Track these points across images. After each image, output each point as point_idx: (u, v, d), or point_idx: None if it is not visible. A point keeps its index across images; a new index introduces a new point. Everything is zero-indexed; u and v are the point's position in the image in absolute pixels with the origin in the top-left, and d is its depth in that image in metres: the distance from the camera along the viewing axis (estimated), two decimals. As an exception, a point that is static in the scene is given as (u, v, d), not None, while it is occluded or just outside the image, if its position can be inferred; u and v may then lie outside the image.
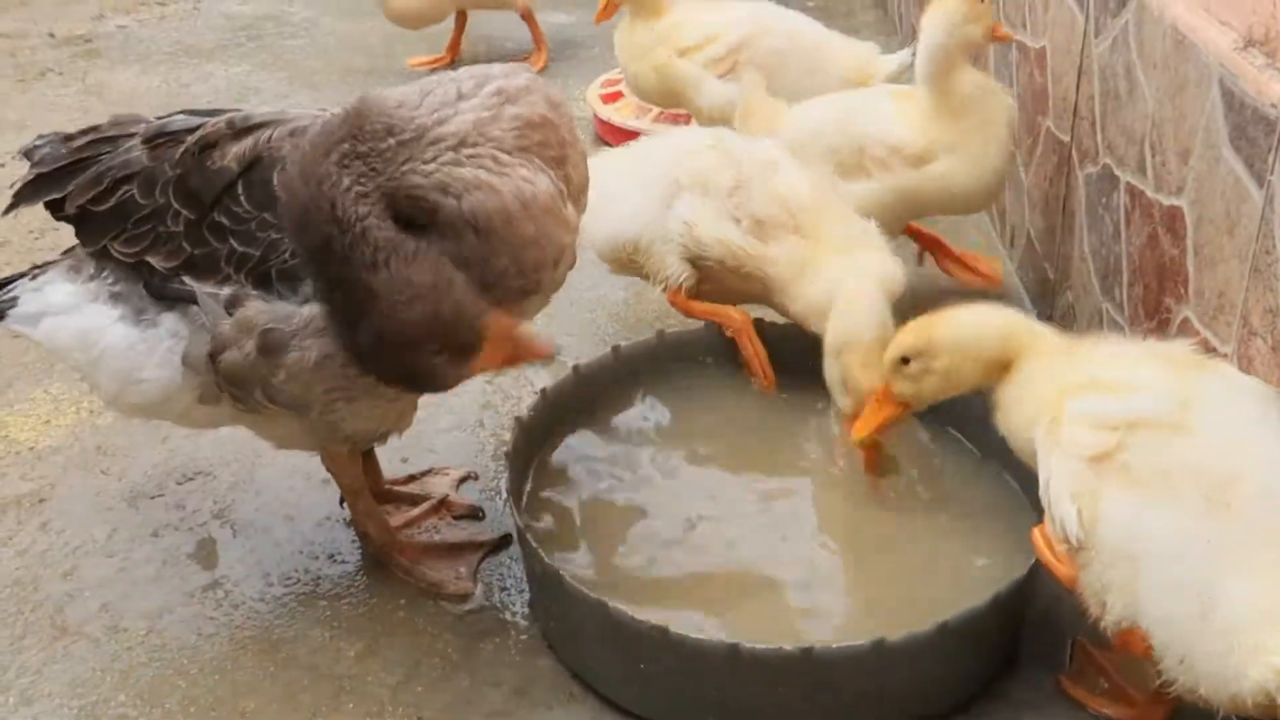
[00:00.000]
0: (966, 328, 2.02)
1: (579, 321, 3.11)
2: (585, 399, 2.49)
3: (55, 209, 2.10)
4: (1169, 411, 1.70)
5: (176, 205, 1.97)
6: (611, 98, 4.12)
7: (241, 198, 1.93)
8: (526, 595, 2.24)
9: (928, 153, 2.74)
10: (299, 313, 1.91)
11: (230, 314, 1.94)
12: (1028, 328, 2.00)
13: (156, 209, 1.99)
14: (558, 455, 2.42)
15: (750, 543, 2.20)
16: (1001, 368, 1.99)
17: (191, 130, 2.02)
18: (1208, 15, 2.09)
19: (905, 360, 2.05)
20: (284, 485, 2.54)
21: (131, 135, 2.09)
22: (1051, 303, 2.95)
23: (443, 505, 2.46)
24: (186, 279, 1.97)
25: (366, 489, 2.28)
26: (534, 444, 2.36)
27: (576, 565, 2.16)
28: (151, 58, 5.03)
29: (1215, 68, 1.99)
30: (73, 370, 2.21)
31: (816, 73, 3.29)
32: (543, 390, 2.42)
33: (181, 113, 2.11)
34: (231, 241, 1.94)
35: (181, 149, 2.00)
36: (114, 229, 2.03)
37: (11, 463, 2.64)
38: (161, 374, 2.02)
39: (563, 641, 2.10)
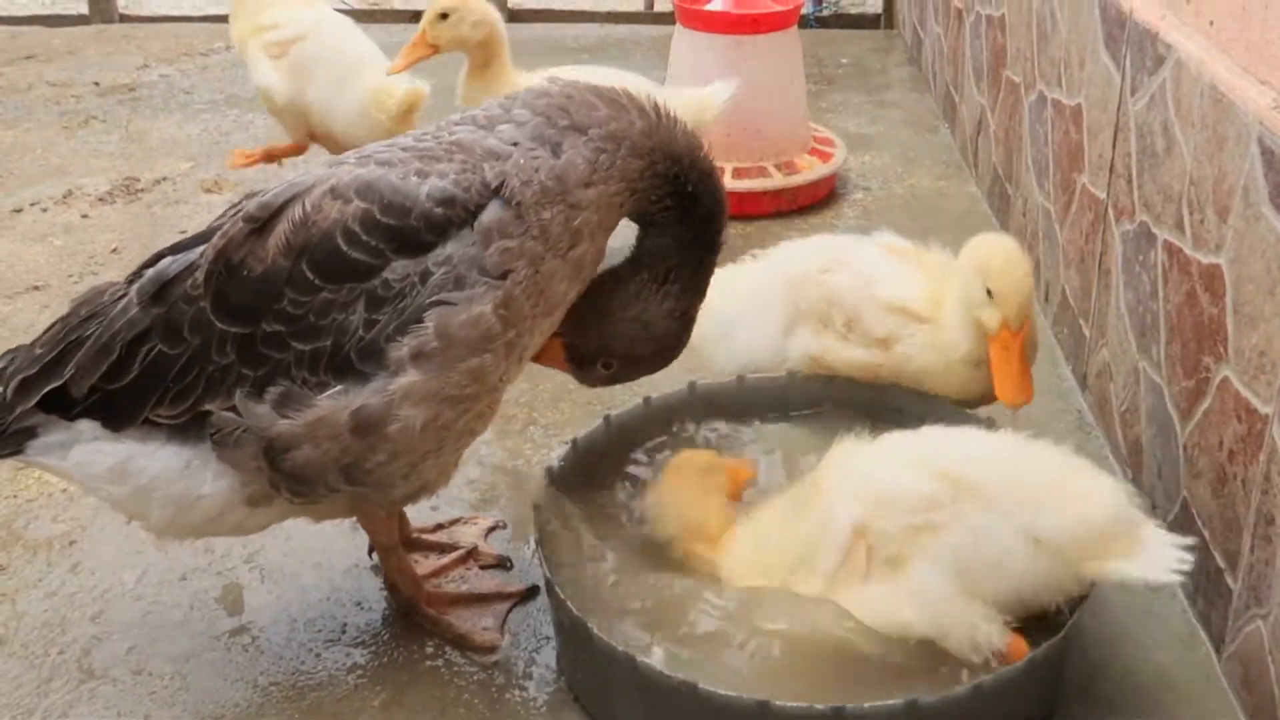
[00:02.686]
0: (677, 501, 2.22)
1: (610, 372, 3.11)
2: (616, 449, 2.48)
3: (60, 406, 1.96)
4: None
5: (224, 328, 1.88)
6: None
7: (296, 290, 1.86)
8: (554, 647, 2.21)
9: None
10: (393, 384, 1.87)
11: (286, 415, 1.89)
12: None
13: (194, 351, 1.90)
14: (587, 505, 2.40)
15: (782, 597, 2.17)
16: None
17: (189, 266, 1.93)
18: (1246, 74, 2.09)
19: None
20: (312, 531, 2.54)
21: (111, 303, 1.98)
22: (1087, 360, 2.93)
23: (471, 555, 2.45)
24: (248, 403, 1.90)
25: (400, 545, 2.27)
26: (564, 493, 2.35)
27: (605, 618, 2.14)
28: (192, 106, 5.11)
29: (1254, 126, 1.98)
30: (108, 503, 2.08)
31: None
32: (573, 440, 2.41)
33: (164, 255, 2.00)
34: (295, 345, 1.87)
35: (202, 274, 1.91)
36: (152, 395, 1.92)
37: (43, 505, 2.65)
38: (221, 484, 1.97)
39: (590, 695, 2.08)
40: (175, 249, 2.02)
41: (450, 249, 1.87)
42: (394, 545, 2.24)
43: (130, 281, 2.02)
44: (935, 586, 1.92)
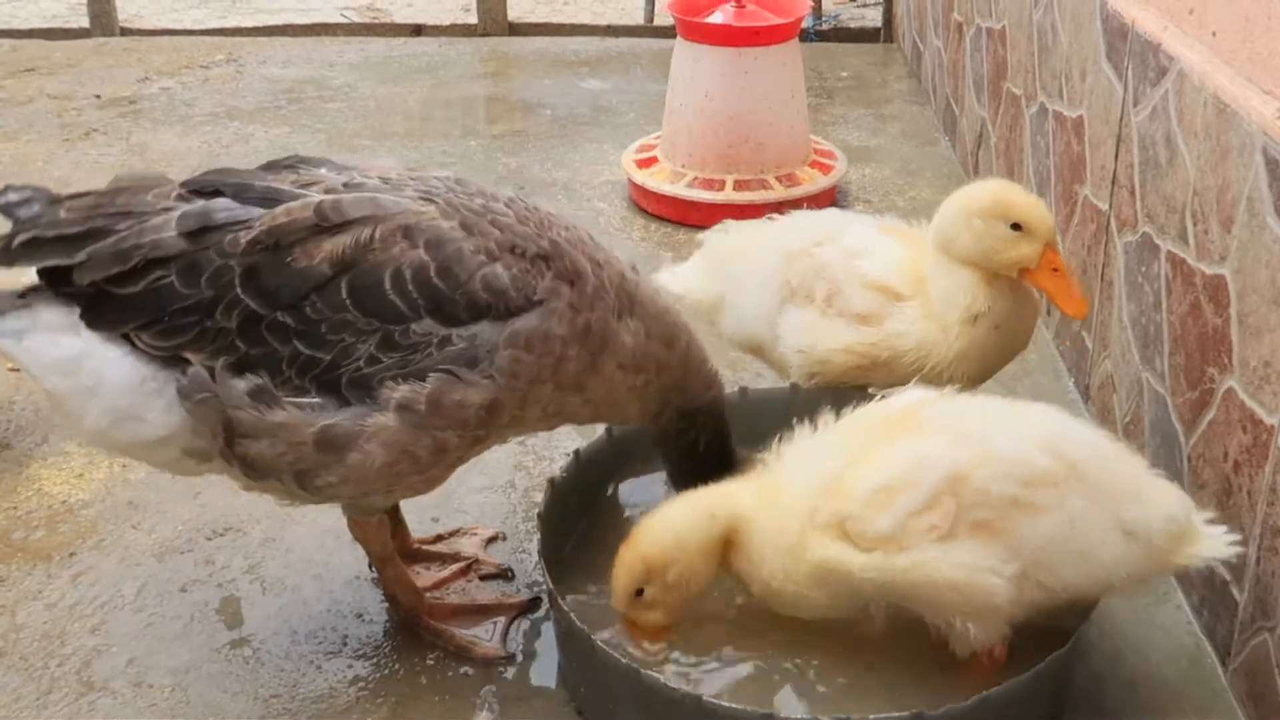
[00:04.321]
0: (674, 528, 1.98)
1: (611, 383, 3.10)
2: (618, 460, 2.47)
3: (58, 280, 1.92)
4: None
5: (242, 296, 1.86)
6: (646, 163, 4.15)
7: (324, 300, 1.86)
8: (557, 659, 2.20)
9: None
10: (371, 418, 1.88)
11: (257, 406, 1.89)
12: (728, 495, 2.01)
13: (203, 301, 1.88)
14: (590, 516, 2.39)
15: (788, 610, 2.16)
16: (727, 545, 1.98)
17: (240, 222, 1.89)
18: (1250, 84, 2.09)
19: (639, 593, 1.99)
20: (314, 543, 2.53)
21: (151, 208, 1.93)
22: (1089, 372, 2.92)
23: (471, 566, 2.44)
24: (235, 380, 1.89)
25: (395, 555, 2.26)
26: (566, 505, 2.34)
27: (608, 629, 2.13)
28: (193, 119, 5.11)
29: (1258, 136, 1.98)
30: (48, 393, 2.00)
31: None
32: (576, 451, 2.40)
33: (219, 191, 1.95)
34: (296, 343, 1.87)
35: (249, 238, 1.87)
36: (142, 317, 1.89)
37: (43, 516, 2.64)
38: (169, 419, 1.93)
39: (594, 707, 2.06)
40: (237, 189, 1.95)
41: (478, 328, 1.89)
42: (388, 555, 2.24)
43: (182, 196, 1.97)
44: (1012, 570, 1.85)
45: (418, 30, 6.36)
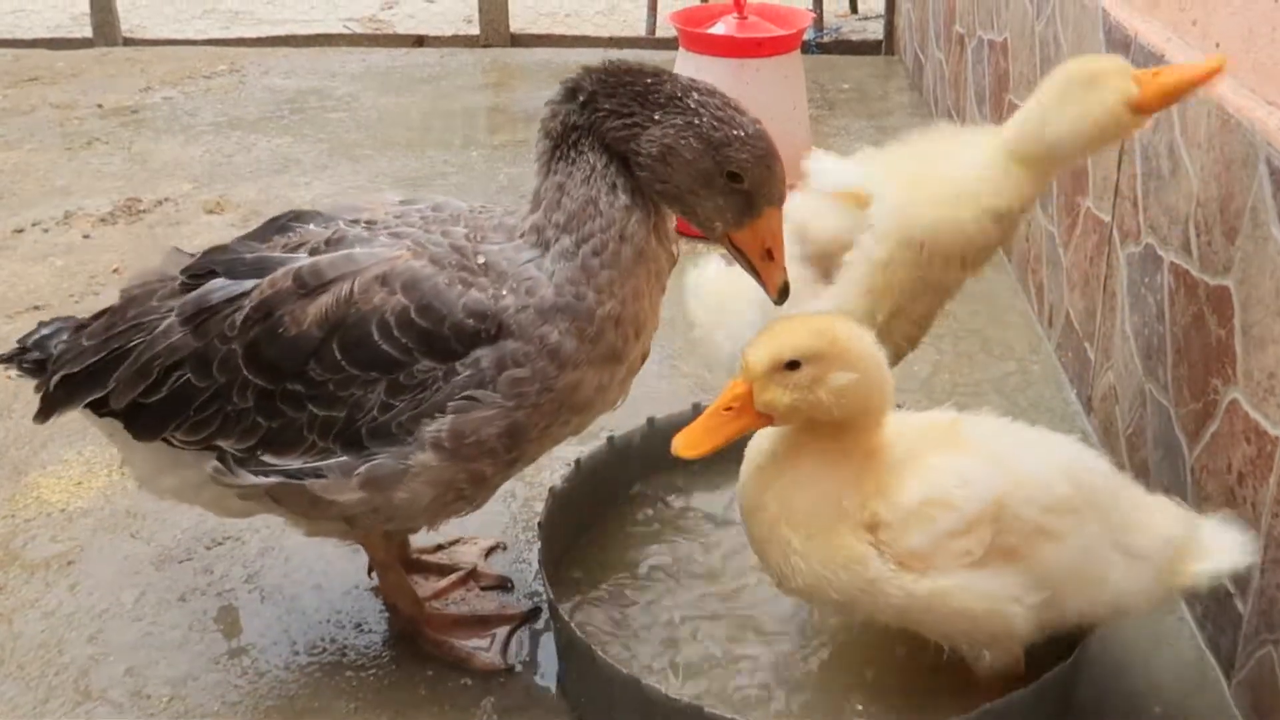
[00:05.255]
0: (878, 357, 1.81)
1: (613, 394, 3.10)
2: (619, 470, 2.47)
3: (97, 407, 2.02)
4: None
5: (249, 376, 1.90)
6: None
7: (321, 362, 1.87)
8: (557, 669, 2.19)
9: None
10: (412, 458, 1.88)
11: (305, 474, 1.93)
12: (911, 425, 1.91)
13: (218, 388, 1.92)
14: (590, 526, 2.39)
15: (790, 619, 2.15)
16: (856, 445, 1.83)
17: (234, 299, 1.93)
18: (1253, 95, 2.09)
19: (794, 364, 1.76)
20: (313, 553, 2.52)
21: (157, 313, 1.99)
22: (1092, 383, 2.92)
23: (471, 576, 2.43)
24: (267, 457, 1.93)
25: (398, 563, 2.26)
26: (567, 515, 2.33)
27: (609, 640, 2.12)
28: (195, 128, 5.12)
29: (1262, 147, 1.98)
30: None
31: None
32: (576, 460, 2.40)
33: (215, 272, 1.98)
34: (311, 408, 1.89)
35: (241, 317, 1.90)
36: (173, 419, 1.96)
37: (42, 524, 2.63)
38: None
39: (595, 718, 2.05)
40: (228, 266, 1.98)
41: (479, 353, 1.86)
42: (390, 562, 2.23)
43: (184, 284, 2.01)
44: (1035, 600, 1.83)
45: (420, 41, 6.38)
